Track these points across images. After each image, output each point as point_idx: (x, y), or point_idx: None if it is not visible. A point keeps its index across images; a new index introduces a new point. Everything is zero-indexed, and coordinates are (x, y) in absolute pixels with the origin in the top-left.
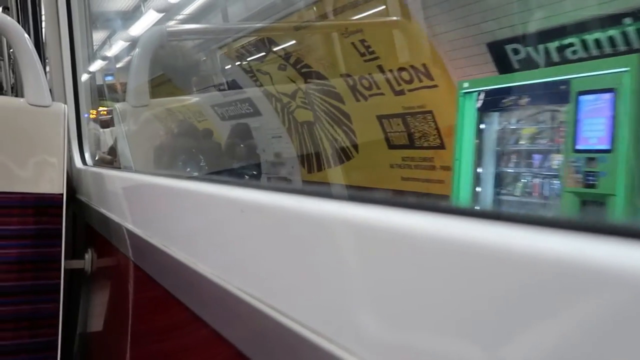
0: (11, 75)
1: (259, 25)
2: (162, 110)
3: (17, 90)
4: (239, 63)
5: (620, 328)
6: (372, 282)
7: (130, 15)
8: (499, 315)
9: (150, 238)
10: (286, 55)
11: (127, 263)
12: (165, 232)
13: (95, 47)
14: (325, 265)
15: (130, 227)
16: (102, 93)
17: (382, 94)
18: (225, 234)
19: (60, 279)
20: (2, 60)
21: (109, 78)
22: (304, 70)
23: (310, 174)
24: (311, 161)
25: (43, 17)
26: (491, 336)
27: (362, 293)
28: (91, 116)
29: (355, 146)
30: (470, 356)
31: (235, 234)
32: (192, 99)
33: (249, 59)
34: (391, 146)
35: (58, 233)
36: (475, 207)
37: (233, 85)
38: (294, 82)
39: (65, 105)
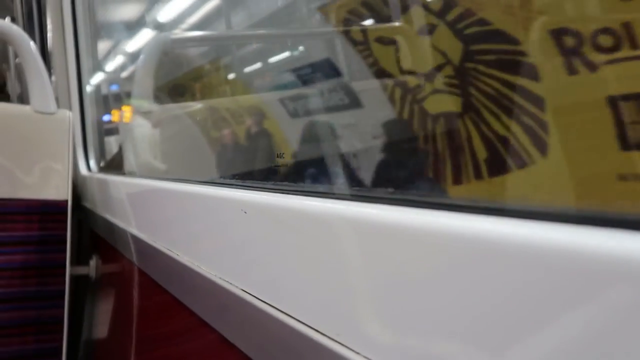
0: (17, 85)
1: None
2: (198, 110)
3: (23, 100)
4: (345, 30)
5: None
6: (380, 282)
7: (135, 25)
8: (510, 313)
9: (154, 242)
10: (443, 8)
11: (131, 268)
12: (169, 236)
13: (100, 57)
14: (331, 265)
15: (135, 232)
16: (107, 102)
17: (637, 57)
18: (229, 236)
19: (65, 285)
20: (9, 70)
21: (114, 87)
22: (470, 30)
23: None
24: (441, 170)
25: (49, 27)
26: (501, 335)
27: (370, 293)
28: (114, 119)
29: (543, 146)
30: (480, 355)
31: (239, 235)
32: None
33: (364, 23)
34: (629, 146)
35: (63, 239)
36: (483, 204)
37: (323, 67)
38: (441, 52)
39: (71, 112)
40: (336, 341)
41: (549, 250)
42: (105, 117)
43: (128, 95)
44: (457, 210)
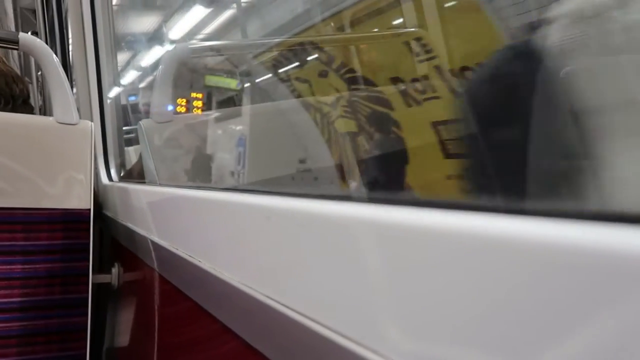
0: (39, 97)
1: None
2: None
3: (45, 112)
4: None
5: None
6: (407, 284)
7: (153, 36)
8: (537, 316)
9: (175, 249)
10: None
11: (153, 276)
12: (190, 242)
13: (119, 68)
14: (355, 269)
15: (156, 239)
16: (127, 112)
17: None
18: (251, 242)
19: (88, 293)
20: (31, 83)
21: (133, 98)
22: None
23: None
24: None
25: (70, 40)
26: (532, 339)
27: (396, 296)
28: (180, 109)
29: None
30: (508, 357)
31: (262, 241)
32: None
33: None
34: None
35: (85, 248)
36: (505, 203)
37: None
38: None
39: (92, 123)
40: (361, 344)
41: (584, 250)
42: (169, 108)
43: (146, 105)
44: (482, 211)
